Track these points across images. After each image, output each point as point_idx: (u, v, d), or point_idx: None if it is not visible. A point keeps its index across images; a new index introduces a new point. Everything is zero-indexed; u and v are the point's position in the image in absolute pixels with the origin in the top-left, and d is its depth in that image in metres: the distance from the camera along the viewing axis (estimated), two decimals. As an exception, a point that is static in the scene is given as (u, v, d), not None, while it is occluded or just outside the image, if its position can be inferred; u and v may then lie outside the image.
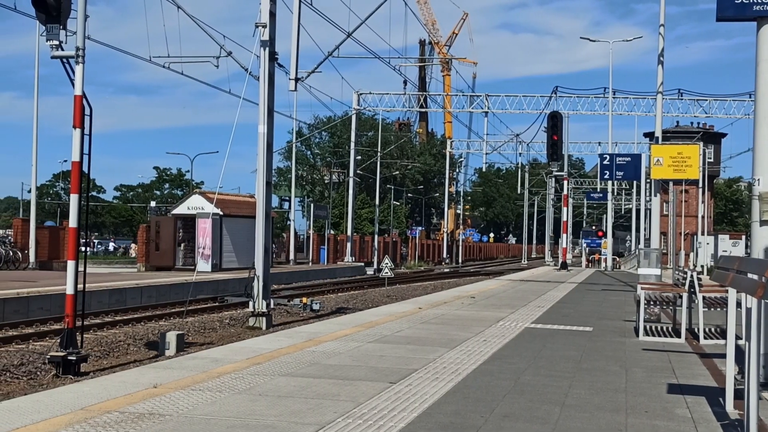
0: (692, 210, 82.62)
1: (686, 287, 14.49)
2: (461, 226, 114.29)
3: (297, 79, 27.29)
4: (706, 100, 58.76)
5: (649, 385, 9.68)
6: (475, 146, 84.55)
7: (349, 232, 64.87)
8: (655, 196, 24.71)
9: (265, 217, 23.91)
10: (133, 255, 70.71)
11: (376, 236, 71.62)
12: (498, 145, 74.80)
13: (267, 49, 23.87)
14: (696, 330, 14.29)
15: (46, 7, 14.73)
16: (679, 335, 14.16)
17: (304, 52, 28.71)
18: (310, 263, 60.23)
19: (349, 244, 64.04)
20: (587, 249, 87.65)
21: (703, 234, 67.68)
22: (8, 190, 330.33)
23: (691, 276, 14.47)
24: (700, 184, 58.65)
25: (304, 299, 28.30)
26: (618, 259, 70.79)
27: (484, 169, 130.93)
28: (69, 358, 14.92)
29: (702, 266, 57.84)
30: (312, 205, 68.91)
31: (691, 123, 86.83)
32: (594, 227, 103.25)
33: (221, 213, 42.02)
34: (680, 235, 67.47)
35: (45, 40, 15.04)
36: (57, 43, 14.92)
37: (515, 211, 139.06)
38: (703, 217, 68.36)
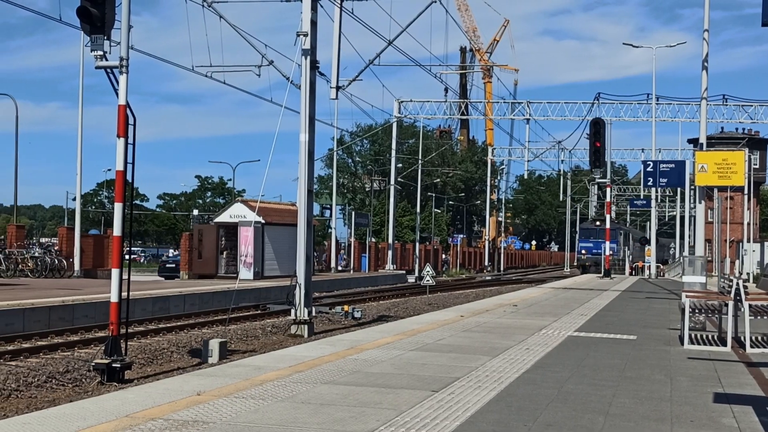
0: (738, 217, 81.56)
1: (732, 295, 14.32)
2: (503, 234, 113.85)
3: (338, 88, 27.36)
4: (752, 105, 58.15)
5: (694, 394, 9.57)
6: (517, 153, 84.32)
7: (390, 240, 64.88)
8: (700, 203, 24.45)
9: (306, 225, 23.98)
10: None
11: (417, 244, 71.57)
12: (540, 152, 74.48)
13: (308, 57, 23.96)
14: (742, 338, 14.11)
15: (91, 18, 14.90)
16: (724, 344, 13.99)
17: (344, 61, 28.75)
18: (352, 271, 60.30)
19: (390, 252, 64.06)
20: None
21: (748, 241, 66.82)
22: (53, 198, 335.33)
23: (737, 284, 14.30)
24: (746, 191, 58.01)
25: (346, 307, 28.31)
26: (662, 266, 69.94)
27: (525, 177, 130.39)
28: (113, 365, 15.05)
29: (748, 274, 57.08)
30: (353, 213, 69.03)
31: (736, 129, 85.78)
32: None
33: (263, 221, 42.19)
34: (725, 243, 66.66)
35: (89, 50, 15.22)
36: (101, 53, 15.08)
37: (557, 218, 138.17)
38: (748, 224, 67.56)
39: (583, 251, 75.11)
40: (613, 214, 71.92)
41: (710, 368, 11.70)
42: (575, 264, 77.32)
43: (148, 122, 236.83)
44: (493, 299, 28.11)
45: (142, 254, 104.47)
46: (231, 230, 43.55)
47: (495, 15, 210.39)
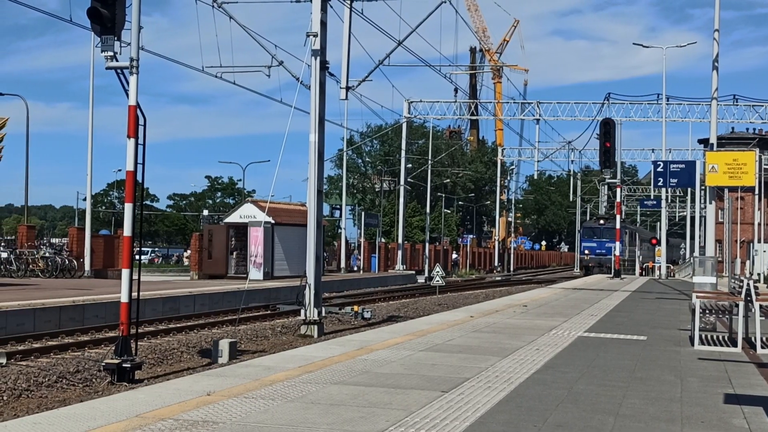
0: (748, 217, 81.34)
1: (742, 296, 14.27)
2: (513, 234, 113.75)
3: (348, 88, 27.35)
4: (762, 105, 57.90)
5: (704, 395, 9.54)
6: (527, 154, 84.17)
7: (399, 240, 64.86)
8: (710, 203, 24.40)
9: (316, 225, 23.99)
10: (186, 263, 71.42)
11: (426, 244, 71.54)
12: (550, 153, 74.25)
13: (318, 58, 23.98)
14: (753, 339, 14.07)
15: (101, 19, 14.93)
16: (735, 344, 13.95)
17: (354, 61, 28.78)
18: (361, 271, 60.30)
19: (399, 252, 64.04)
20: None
21: (759, 241, 66.62)
22: (64, 199, 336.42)
23: (748, 284, 14.25)
24: (757, 191, 57.83)
25: (356, 307, 28.31)
26: (672, 267, 69.66)
27: (535, 177, 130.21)
28: (124, 365, 15.08)
29: (759, 274, 56.93)
30: (363, 213, 69.03)
31: (747, 129, 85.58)
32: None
33: (273, 221, 42.23)
34: (736, 243, 66.48)
35: (100, 51, 15.26)
36: (111, 54, 15.12)
37: (567, 218, 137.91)
38: (759, 224, 67.35)
39: (586, 251, 71.63)
40: (623, 215, 71.26)
41: (721, 369, 11.67)
42: (582, 265, 75.30)
43: (158, 123, 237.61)
44: (503, 300, 28.08)
45: (158, 255, 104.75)
46: (241, 230, 43.61)
47: (505, 15, 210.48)
